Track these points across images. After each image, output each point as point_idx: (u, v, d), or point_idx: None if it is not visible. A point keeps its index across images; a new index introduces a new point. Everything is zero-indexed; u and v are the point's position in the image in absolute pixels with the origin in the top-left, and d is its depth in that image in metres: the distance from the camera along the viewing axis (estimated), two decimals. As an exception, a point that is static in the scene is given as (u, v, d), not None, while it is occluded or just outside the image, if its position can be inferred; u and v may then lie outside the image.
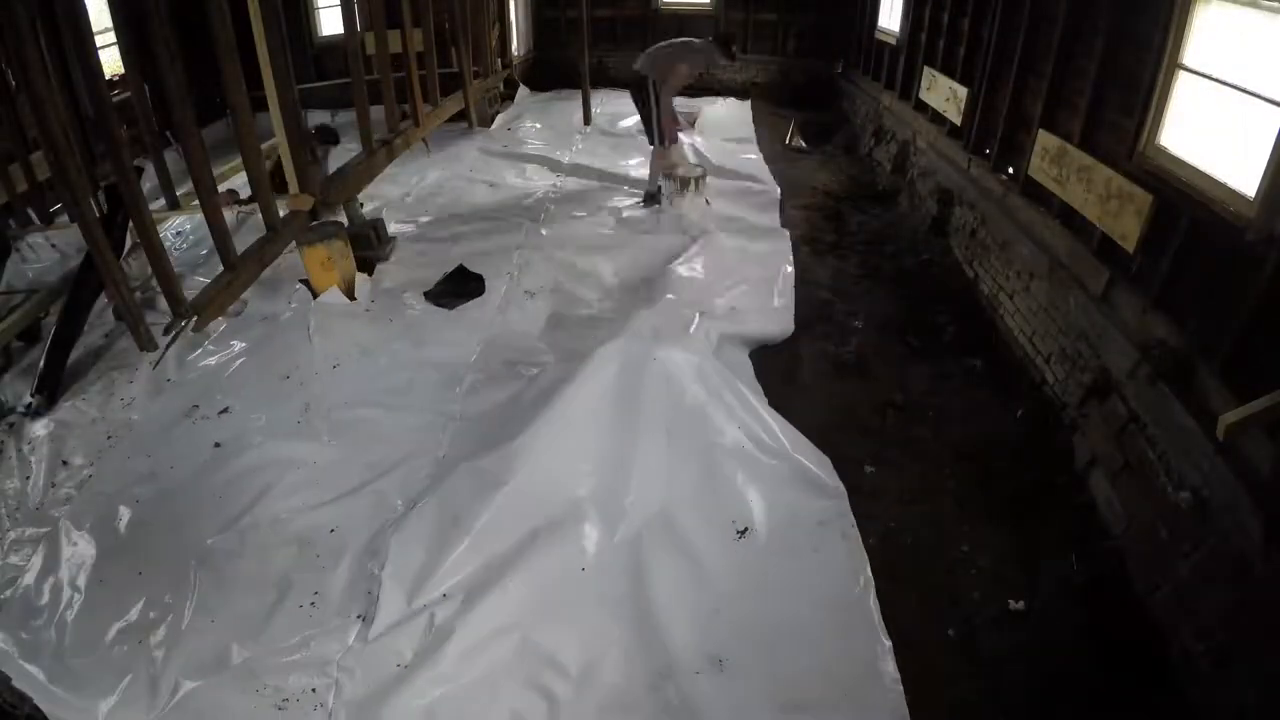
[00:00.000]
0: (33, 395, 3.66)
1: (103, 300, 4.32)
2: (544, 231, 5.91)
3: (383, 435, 3.52)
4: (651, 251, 5.53)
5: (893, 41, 8.16)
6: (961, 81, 5.91)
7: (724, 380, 3.60)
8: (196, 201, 4.21)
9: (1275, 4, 2.71)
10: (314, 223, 4.87)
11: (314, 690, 2.40)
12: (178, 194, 5.48)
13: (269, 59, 4.46)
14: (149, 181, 5.04)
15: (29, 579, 2.77)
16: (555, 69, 11.58)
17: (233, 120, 4.40)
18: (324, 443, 3.48)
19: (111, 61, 5.39)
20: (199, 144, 4.00)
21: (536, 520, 2.94)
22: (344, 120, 8.59)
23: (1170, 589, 2.59)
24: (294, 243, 4.73)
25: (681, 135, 6.60)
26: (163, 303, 4.13)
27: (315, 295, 4.60)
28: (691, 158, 7.08)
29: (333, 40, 8.90)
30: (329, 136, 7.05)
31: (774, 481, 3.20)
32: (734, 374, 3.83)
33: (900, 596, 2.75)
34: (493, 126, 9.17)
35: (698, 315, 4.24)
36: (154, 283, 4.26)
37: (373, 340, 4.31)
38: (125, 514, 3.05)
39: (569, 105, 9.94)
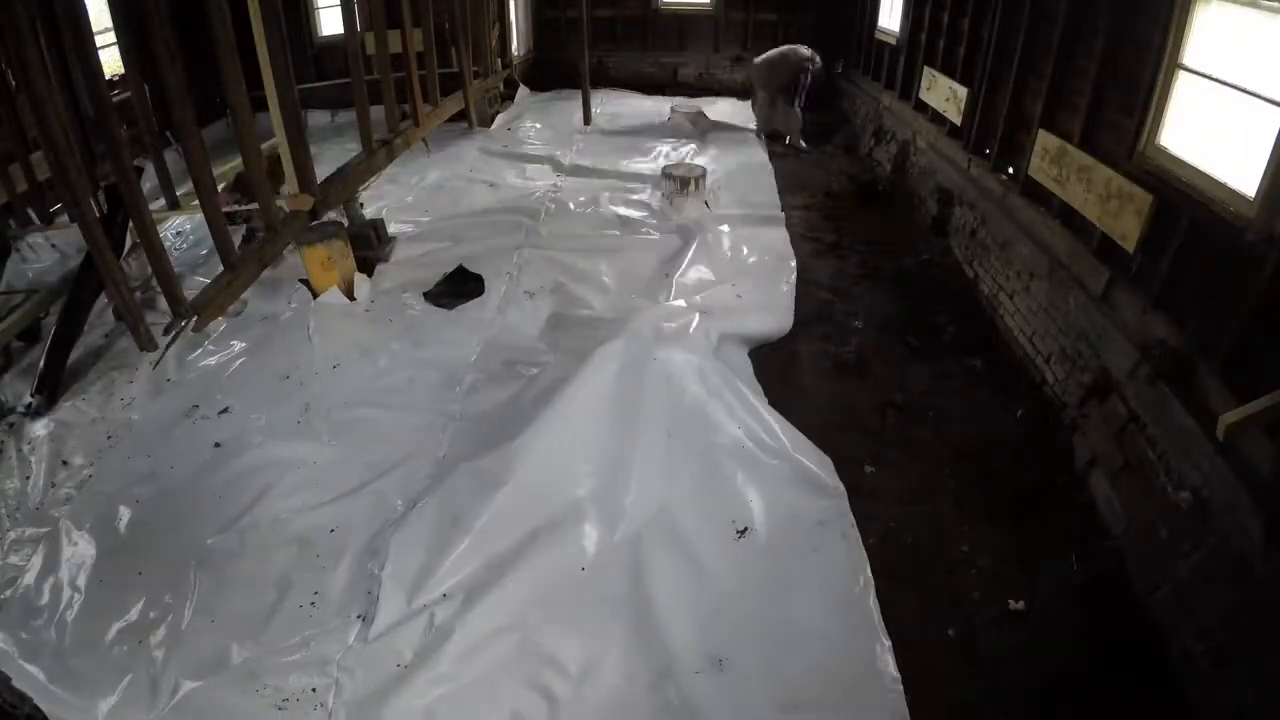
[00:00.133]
0: (33, 395, 3.67)
1: (103, 300, 4.32)
2: (544, 231, 5.91)
3: (383, 435, 3.53)
4: (651, 251, 5.54)
5: (893, 41, 8.16)
6: (961, 81, 5.91)
7: (724, 380, 3.60)
8: (196, 201, 4.20)
9: (1275, 4, 2.71)
10: (314, 223, 4.87)
11: (314, 690, 2.40)
12: (178, 194, 5.48)
13: (269, 59, 4.46)
14: (149, 181, 5.04)
15: (29, 579, 2.77)
16: (555, 69, 11.57)
17: (233, 120, 4.39)
18: (324, 443, 3.48)
19: (111, 61, 5.38)
20: (199, 144, 3.99)
21: (536, 520, 2.94)
22: (344, 120, 8.61)
23: (1170, 589, 2.59)
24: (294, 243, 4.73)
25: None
26: (163, 303, 4.13)
27: (315, 295, 4.60)
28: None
29: (333, 40, 8.90)
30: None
31: (774, 481, 3.20)
32: (734, 373, 3.83)
33: (900, 596, 2.75)
34: (493, 126, 9.16)
35: (697, 315, 4.25)
36: (154, 283, 4.26)
37: (372, 340, 4.31)
38: (125, 514, 3.05)
39: (569, 105, 9.94)
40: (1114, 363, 3.33)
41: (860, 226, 6.48)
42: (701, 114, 9.46)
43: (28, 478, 3.29)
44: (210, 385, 3.88)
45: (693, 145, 8.46)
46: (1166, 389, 2.88)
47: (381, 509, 3.10)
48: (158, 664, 2.45)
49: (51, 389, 3.75)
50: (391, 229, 5.65)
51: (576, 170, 7.53)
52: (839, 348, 4.49)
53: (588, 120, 9.35)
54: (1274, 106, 2.63)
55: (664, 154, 8.12)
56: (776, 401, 3.75)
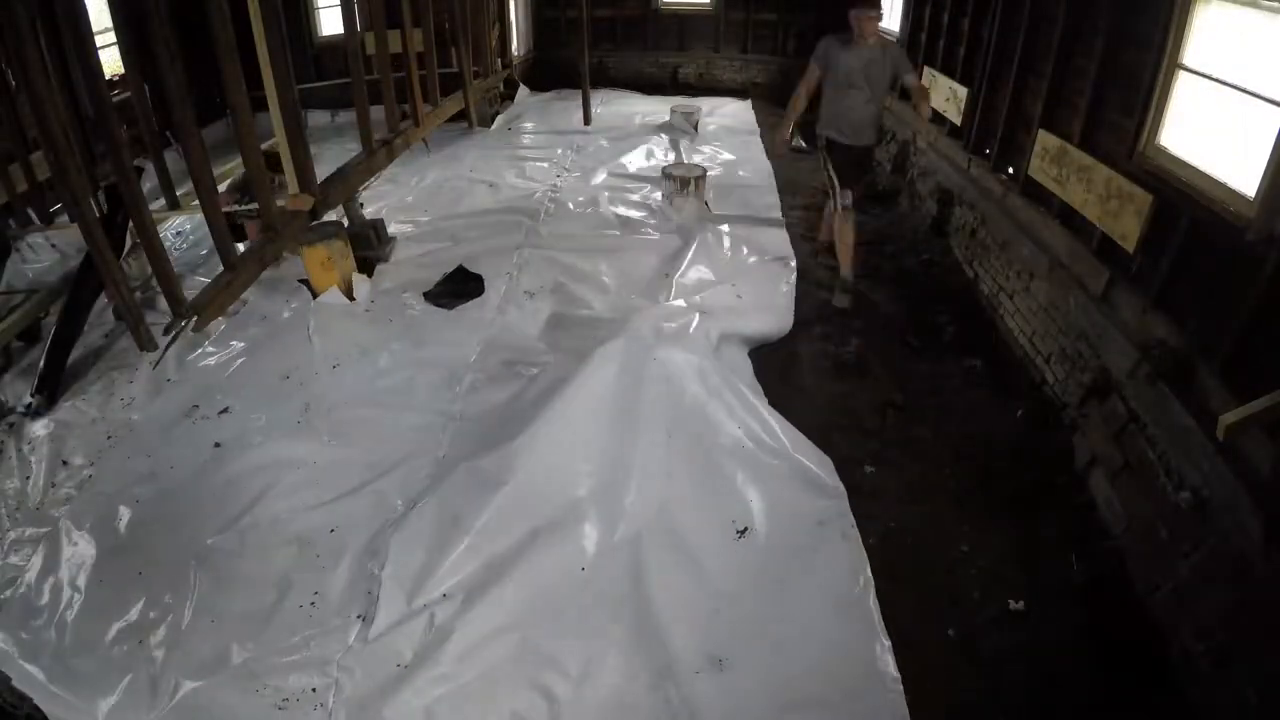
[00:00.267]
0: (33, 395, 3.67)
1: (103, 300, 4.32)
2: (544, 231, 5.91)
3: (383, 435, 3.53)
4: (651, 251, 5.53)
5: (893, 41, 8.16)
6: (961, 81, 5.91)
7: (724, 380, 3.60)
8: (196, 201, 4.20)
9: (1275, 4, 2.71)
10: (314, 223, 4.87)
11: (314, 690, 2.40)
12: (178, 194, 5.49)
13: (269, 59, 4.46)
14: (149, 181, 5.04)
15: (29, 579, 2.77)
16: (555, 69, 11.57)
17: (233, 120, 4.39)
18: (324, 443, 3.48)
19: (111, 61, 5.39)
20: (199, 144, 3.99)
21: (536, 520, 2.94)
22: (344, 120, 8.62)
23: (1170, 589, 2.59)
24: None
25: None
26: (163, 303, 4.13)
27: (315, 295, 4.60)
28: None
29: (333, 40, 8.90)
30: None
31: (774, 481, 3.20)
32: (734, 373, 3.83)
33: (900, 596, 2.74)
34: (493, 126, 9.16)
35: (697, 315, 4.24)
36: (154, 283, 4.26)
37: (372, 340, 4.31)
38: (125, 514, 3.05)
39: (569, 105, 9.93)
40: (1114, 363, 3.33)
41: (860, 226, 6.46)
42: (700, 114, 9.45)
43: (28, 478, 3.29)
44: (210, 385, 3.88)
45: (692, 145, 8.47)
46: (1166, 389, 2.88)
47: (382, 509, 3.09)
48: (158, 664, 2.45)
49: (51, 389, 3.75)
50: (391, 229, 5.65)
51: (576, 170, 7.53)
52: (839, 348, 4.49)
53: (588, 120, 9.35)
54: (1274, 106, 2.63)
55: (664, 154, 8.12)
56: (776, 401, 3.74)
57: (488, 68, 9.20)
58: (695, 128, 8.99)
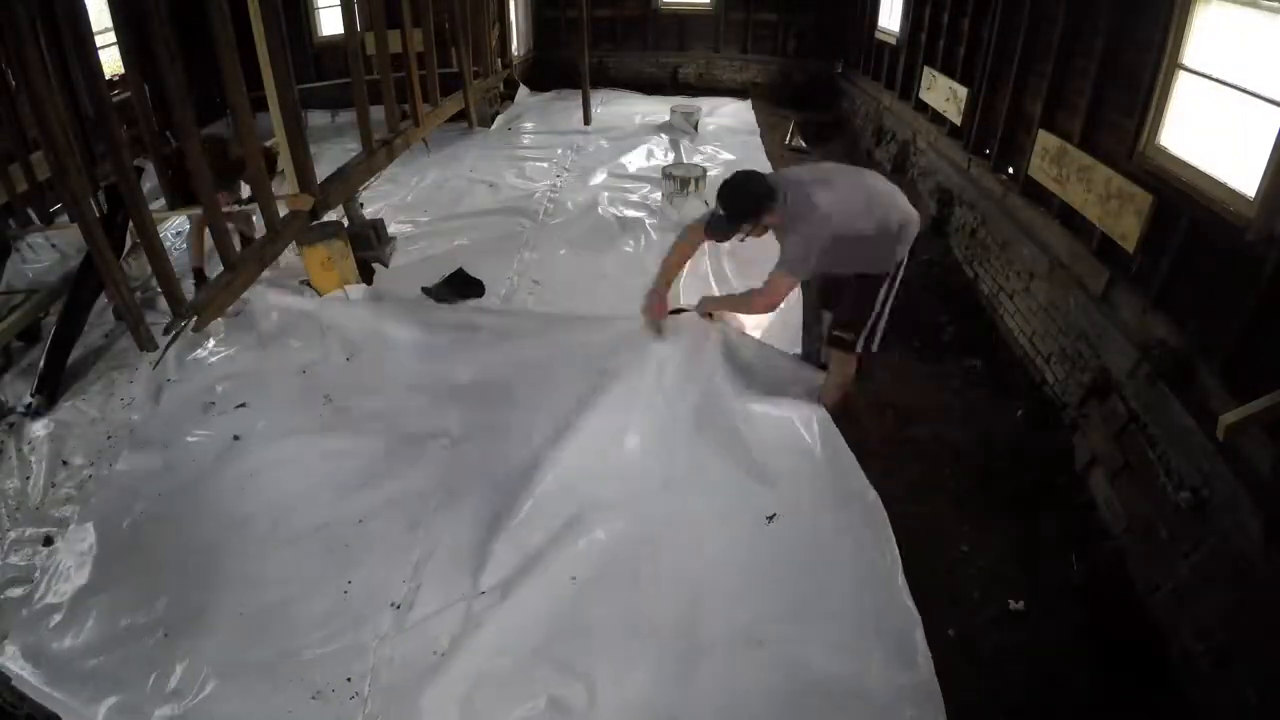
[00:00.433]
0: (33, 395, 3.66)
1: (103, 300, 4.32)
2: (544, 232, 5.91)
3: (398, 428, 3.54)
4: (653, 252, 5.53)
5: (893, 41, 8.17)
6: (961, 81, 5.91)
7: (737, 373, 3.62)
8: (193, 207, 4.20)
9: (1275, 4, 2.71)
10: (314, 223, 4.87)
11: (349, 680, 2.40)
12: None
13: (269, 59, 4.46)
14: (149, 181, 5.04)
15: (30, 579, 2.77)
16: (555, 69, 11.58)
17: (233, 120, 4.39)
18: (345, 434, 3.49)
19: (111, 61, 5.39)
20: (199, 144, 3.99)
21: (570, 510, 3.00)
22: (344, 120, 8.62)
23: (1170, 589, 2.59)
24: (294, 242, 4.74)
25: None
26: (163, 303, 4.13)
27: (318, 295, 4.61)
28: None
29: (333, 40, 8.91)
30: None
31: (795, 470, 3.23)
32: (741, 370, 3.84)
33: (900, 596, 2.74)
34: (493, 126, 9.17)
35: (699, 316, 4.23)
36: (154, 283, 4.26)
37: (377, 337, 4.31)
38: (143, 509, 3.04)
39: (569, 105, 9.94)
40: (1114, 363, 3.33)
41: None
42: (700, 114, 9.45)
43: (28, 478, 3.28)
44: (224, 379, 3.87)
45: (692, 145, 8.47)
46: (1166, 389, 2.88)
47: (410, 498, 3.12)
48: (185, 658, 2.44)
49: (51, 389, 3.75)
50: (391, 229, 5.65)
51: (576, 170, 7.53)
52: (839, 348, 4.48)
53: (588, 120, 9.35)
54: (1274, 106, 2.63)
55: (664, 154, 8.12)
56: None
57: (488, 68, 9.21)
58: (695, 128, 9.00)
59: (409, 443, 3.43)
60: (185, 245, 5.31)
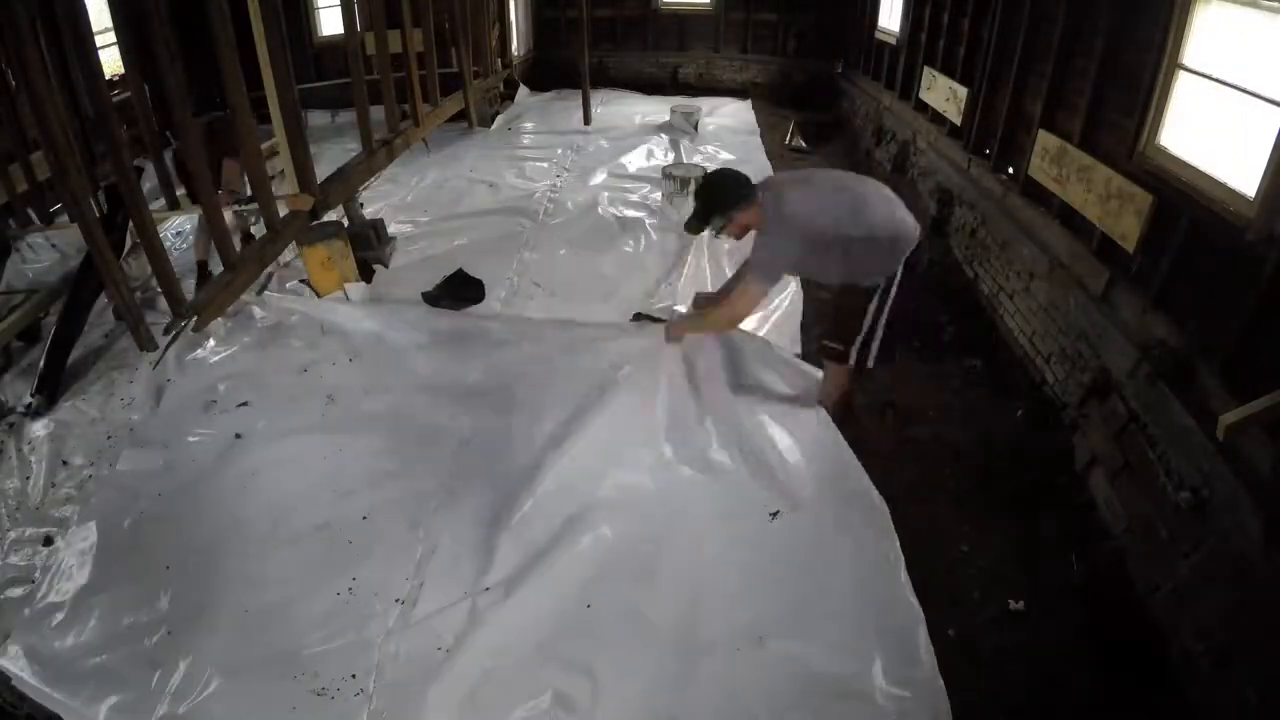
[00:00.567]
0: (33, 395, 3.66)
1: (103, 300, 4.32)
2: (543, 232, 5.91)
3: (399, 428, 3.55)
4: (653, 252, 5.54)
5: (893, 41, 8.17)
6: (961, 81, 5.91)
7: (738, 373, 3.63)
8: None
9: (1275, 4, 2.71)
10: (314, 223, 4.87)
11: (354, 676, 2.40)
12: (178, 194, 5.48)
13: (269, 59, 4.46)
14: (149, 181, 5.04)
15: (30, 579, 2.77)
16: (555, 69, 11.58)
17: (232, 120, 4.39)
18: (347, 432, 3.50)
19: (111, 61, 5.39)
20: (199, 144, 3.99)
21: (572, 509, 3.01)
22: (344, 120, 8.62)
23: (1170, 589, 2.59)
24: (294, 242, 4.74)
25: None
26: (163, 303, 4.13)
27: (318, 295, 4.61)
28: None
29: (333, 40, 8.91)
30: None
31: (797, 467, 3.25)
32: (742, 369, 3.84)
33: (900, 596, 2.74)
34: (493, 126, 9.17)
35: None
36: (154, 283, 4.26)
37: (378, 338, 4.32)
38: (138, 511, 3.03)
39: (569, 105, 9.94)
40: (1114, 363, 3.33)
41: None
42: (700, 114, 9.45)
43: (28, 478, 3.28)
44: (225, 379, 3.87)
45: (692, 145, 8.47)
46: (1166, 389, 2.88)
47: (414, 496, 3.12)
48: (186, 657, 2.43)
49: (51, 389, 3.75)
50: (391, 229, 5.64)
51: (576, 170, 7.53)
52: (839, 348, 4.48)
53: (588, 120, 9.36)
54: (1274, 106, 2.63)
55: (664, 154, 8.12)
56: (776, 401, 3.74)
57: (488, 68, 9.21)
58: (695, 128, 9.00)
59: (410, 442, 3.43)
60: (185, 246, 5.32)
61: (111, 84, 5.38)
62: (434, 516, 3.02)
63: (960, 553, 3.00)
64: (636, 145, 8.25)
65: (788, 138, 9.21)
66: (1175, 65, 3.21)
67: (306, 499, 3.09)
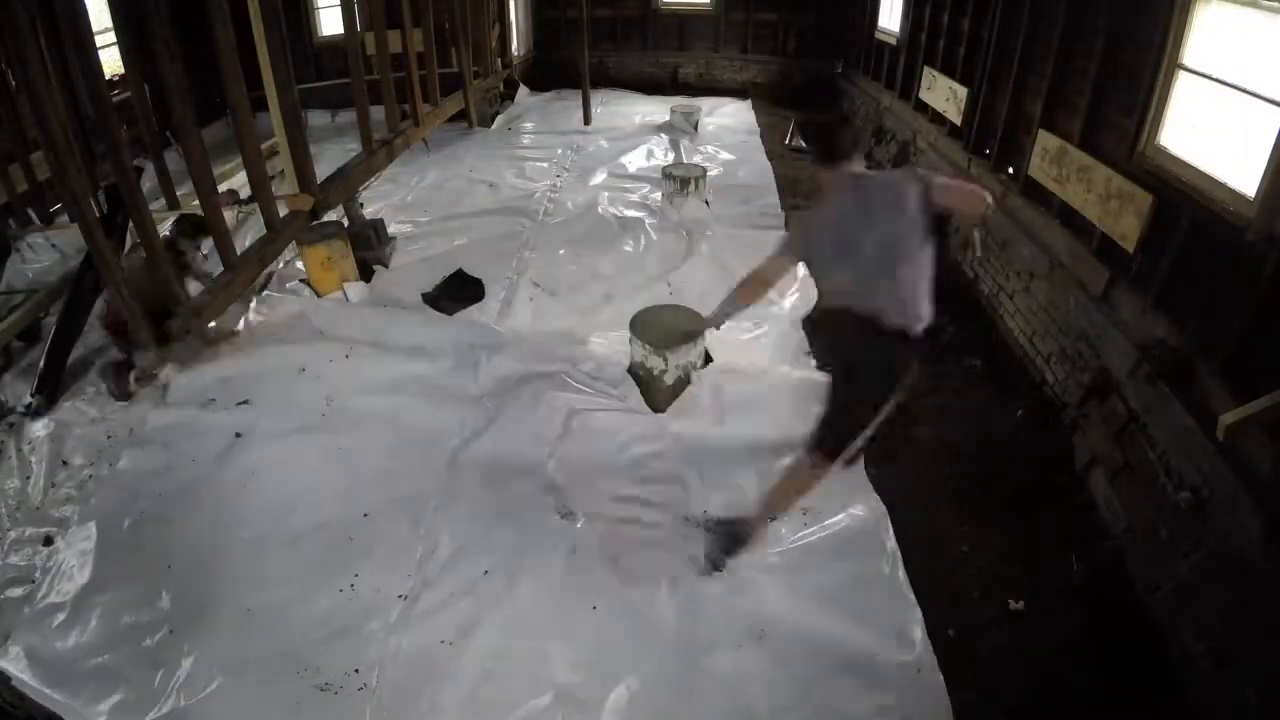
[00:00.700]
0: (33, 395, 3.67)
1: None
2: (543, 232, 5.91)
3: (399, 427, 3.56)
4: (652, 252, 5.54)
5: (893, 41, 8.16)
6: (961, 81, 5.91)
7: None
8: (196, 201, 4.20)
9: (1275, 4, 2.71)
10: (314, 223, 4.87)
11: (357, 671, 2.42)
12: (178, 194, 5.48)
13: (269, 59, 4.46)
14: (149, 181, 5.04)
15: (30, 579, 2.77)
16: (555, 69, 11.58)
17: (233, 120, 4.39)
18: (346, 431, 3.50)
19: (111, 61, 5.38)
20: (199, 144, 3.99)
21: (571, 507, 3.05)
22: (344, 120, 8.61)
23: (1170, 589, 2.59)
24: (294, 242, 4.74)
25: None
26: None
27: (318, 295, 4.61)
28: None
29: (333, 40, 8.90)
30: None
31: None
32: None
33: (900, 596, 2.75)
34: (493, 126, 9.17)
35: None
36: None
37: (377, 337, 4.32)
38: (138, 511, 3.04)
39: (569, 105, 9.94)
40: (1114, 363, 3.33)
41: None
42: (700, 114, 9.44)
43: (28, 478, 3.29)
44: (225, 379, 3.87)
45: (692, 145, 8.46)
46: (1166, 389, 2.88)
47: (414, 493, 3.14)
48: (188, 655, 2.45)
49: (51, 389, 3.75)
50: (391, 229, 5.64)
51: (576, 170, 7.53)
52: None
53: (588, 120, 9.35)
54: (1274, 106, 2.63)
55: (664, 154, 8.12)
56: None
57: (488, 68, 9.21)
58: (695, 128, 9.00)
59: (410, 441, 3.44)
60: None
61: (111, 84, 5.37)
62: (434, 516, 3.03)
63: (960, 553, 3.00)
64: (636, 145, 8.25)
65: (788, 138, 9.21)
66: (1175, 65, 3.21)
67: (307, 498, 3.10)
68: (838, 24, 10.68)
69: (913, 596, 2.69)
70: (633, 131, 8.98)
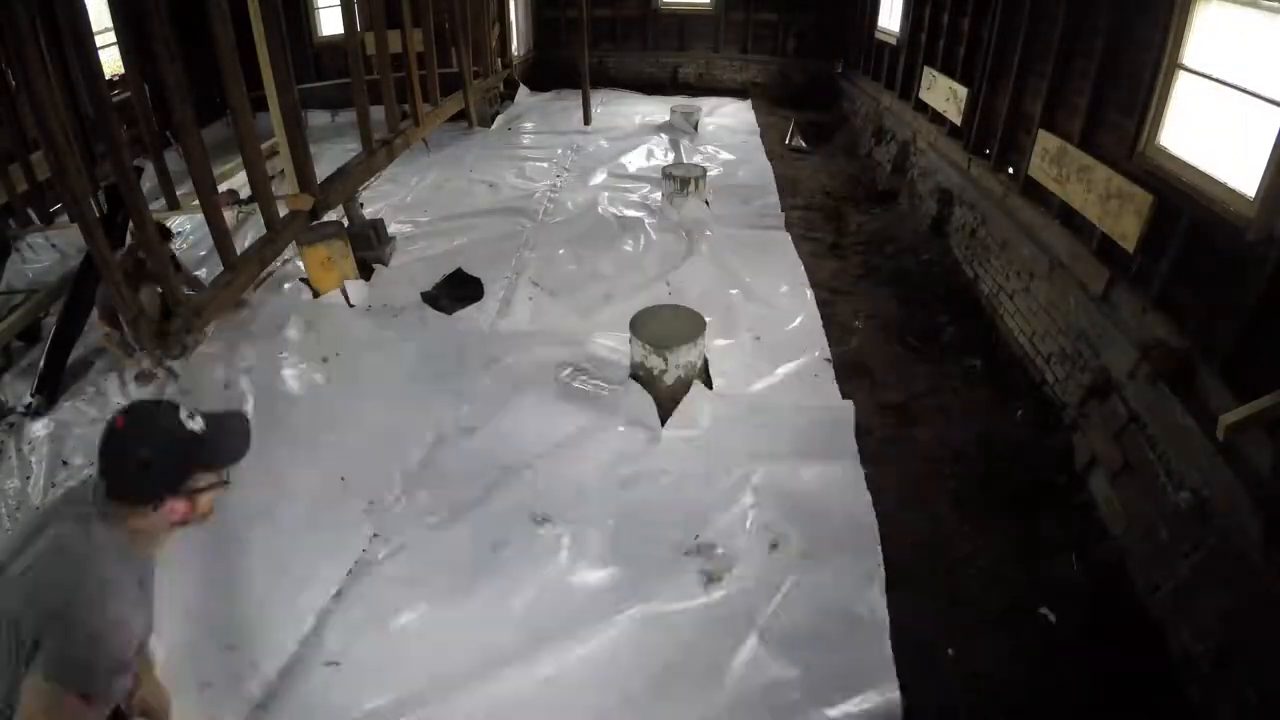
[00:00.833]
0: (33, 395, 3.67)
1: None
2: (543, 232, 5.91)
3: (399, 429, 3.58)
4: (652, 252, 5.54)
5: (893, 41, 8.16)
6: (961, 81, 5.91)
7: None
8: (196, 201, 4.20)
9: (1275, 4, 2.71)
10: (314, 223, 4.87)
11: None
12: (178, 194, 5.48)
13: (269, 59, 4.46)
14: (149, 181, 5.03)
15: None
16: (555, 69, 11.58)
17: (233, 120, 4.39)
18: (343, 431, 3.53)
19: (111, 61, 5.38)
20: (199, 144, 3.99)
21: (571, 506, 3.09)
22: (344, 120, 8.62)
23: (1170, 589, 2.59)
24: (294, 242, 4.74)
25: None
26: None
27: (316, 295, 4.61)
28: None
29: (333, 40, 8.91)
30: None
31: (800, 484, 3.27)
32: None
33: (901, 597, 2.74)
34: (493, 126, 9.18)
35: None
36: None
37: (373, 336, 4.32)
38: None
39: (569, 105, 9.95)
40: (1114, 363, 3.33)
41: (860, 227, 6.48)
42: (700, 114, 9.44)
43: (28, 478, 3.29)
44: (225, 378, 3.88)
45: (692, 145, 8.46)
46: (1166, 389, 2.88)
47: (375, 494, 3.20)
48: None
49: (51, 389, 3.75)
50: (391, 229, 5.65)
51: (576, 170, 7.53)
52: (839, 348, 4.48)
53: (588, 120, 9.36)
54: (1274, 106, 2.63)
55: (664, 154, 8.12)
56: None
57: (488, 68, 9.21)
58: (695, 128, 9.00)
59: (410, 441, 3.46)
60: (185, 246, 5.30)
61: (111, 84, 5.37)
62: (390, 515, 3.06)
63: (960, 553, 3.00)
64: (636, 145, 8.25)
65: (788, 138, 9.21)
66: (1175, 65, 3.21)
67: (306, 496, 3.12)
68: (838, 24, 10.68)
69: (882, 580, 2.81)
70: (633, 131, 8.98)
